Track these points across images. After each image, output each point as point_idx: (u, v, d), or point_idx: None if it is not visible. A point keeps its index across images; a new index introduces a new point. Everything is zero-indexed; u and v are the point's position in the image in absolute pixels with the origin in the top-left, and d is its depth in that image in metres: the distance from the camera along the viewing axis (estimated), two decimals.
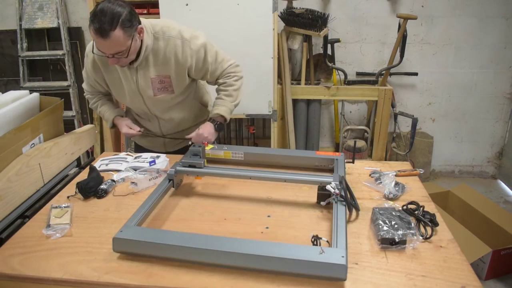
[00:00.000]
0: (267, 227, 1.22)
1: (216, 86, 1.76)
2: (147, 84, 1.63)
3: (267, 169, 1.53)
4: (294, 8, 2.96)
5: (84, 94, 1.85)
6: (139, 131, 1.76)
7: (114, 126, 1.81)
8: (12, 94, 1.52)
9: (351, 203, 1.26)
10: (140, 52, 1.53)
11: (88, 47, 1.63)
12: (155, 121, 1.82)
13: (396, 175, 1.49)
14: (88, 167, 1.53)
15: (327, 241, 1.10)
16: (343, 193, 1.25)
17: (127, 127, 1.76)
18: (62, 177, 1.62)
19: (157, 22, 1.59)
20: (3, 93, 1.55)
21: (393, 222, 1.14)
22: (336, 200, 1.23)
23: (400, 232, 1.11)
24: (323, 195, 1.29)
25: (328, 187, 1.26)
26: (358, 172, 1.57)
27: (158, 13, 2.89)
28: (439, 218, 1.22)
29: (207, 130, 1.68)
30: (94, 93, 1.82)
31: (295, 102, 3.06)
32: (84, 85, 1.82)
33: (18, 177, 1.34)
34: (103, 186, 1.44)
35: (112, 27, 1.37)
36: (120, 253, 1.10)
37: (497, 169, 3.63)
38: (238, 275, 1.01)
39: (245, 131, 3.43)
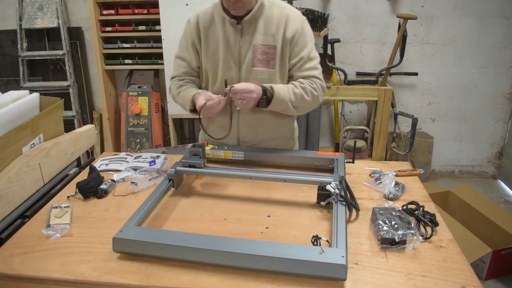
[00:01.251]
0: (267, 227, 1.22)
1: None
2: (249, 50, 1.52)
3: (267, 169, 1.53)
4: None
5: (170, 88, 1.69)
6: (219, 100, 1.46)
7: (193, 109, 1.56)
8: (12, 94, 1.52)
9: (351, 203, 1.26)
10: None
11: (193, 14, 1.61)
12: (235, 118, 1.60)
13: (396, 175, 1.49)
14: (88, 167, 1.53)
15: (327, 241, 1.10)
16: (343, 193, 1.25)
17: (204, 99, 1.47)
18: (62, 177, 1.62)
19: None
20: (3, 93, 1.55)
21: (393, 222, 1.14)
22: (336, 200, 1.23)
23: (400, 232, 1.11)
24: (323, 195, 1.29)
25: (328, 187, 1.26)
26: (358, 172, 1.57)
27: (158, 13, 2.89)
28: (439, 218, 1.22)
29: (255, 90, 1.44)
30: (184, 75, 1.65)
31: None
32: (173, 73, 1.67)
33: (18, 177, 1.34)
34: (103, 186, 1.44)
35: None
36: (120, 253, 1.10)
37: (497, 169, 3.63)
38: (238, 275, 1.01)
39: None
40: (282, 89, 1.49)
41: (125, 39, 3.26)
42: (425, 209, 1.25)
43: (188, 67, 1.64)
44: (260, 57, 1.53)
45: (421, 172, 1.54)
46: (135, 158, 1.70)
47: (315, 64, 1.57)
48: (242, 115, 1.61)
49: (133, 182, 1.49)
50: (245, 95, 1.43)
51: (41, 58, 3.42)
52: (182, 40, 1.64)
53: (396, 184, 1.41)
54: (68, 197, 1.42)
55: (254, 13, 1.49)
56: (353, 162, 1.59)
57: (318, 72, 1.57)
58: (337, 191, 1.24)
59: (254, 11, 1.49)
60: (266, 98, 1.48)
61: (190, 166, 1.44)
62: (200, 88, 1.66)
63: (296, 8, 2.92)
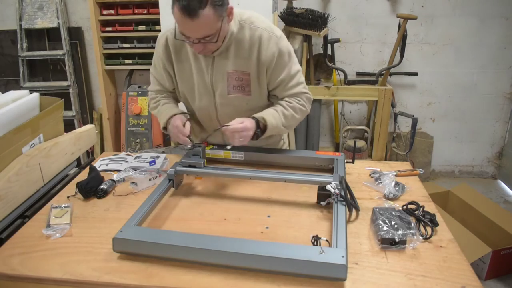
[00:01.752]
0: (267, 227, 1.22)
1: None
2: (223, 78, 1.44)
3: (267, 169, 1.53)
4: (294, 8, 2.96)
5: (148, 95, 1.65)
6: (189, 136, 1.44)
7: (165, 128, 1.53)
8: (12, 94, 1.52)
9: (351, 203, 1.26)
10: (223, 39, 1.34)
11: (162, 32, 1.49)
12: (218, 132, 1.56)
13: (396, 175, 1.49)
14: (88, 167, 1.53)
15: (327, 241, 1.10)
16: (343, 193, 1.25)
17: (177, 129, 1.43)
18: (62, 177, 1.62)
19: (245, 11, 1.43)
20: (3, 93, 1.55)
21: (393, 222, 1.14)
22: (336, 200, 1.23)
23: (400, 232, 1.11)
24: (323, 195, 1.29)
25: (328, 187, 1.26)
26: (358, 172, 1.57)
27: (158, 13, 2.89)
28: (439, 218, 1.22)
29: (248, 127, 1.39)
30: (159, 92, 1.61)
31: None
32: (150, 86, 1.63)
33: (18, 177, 1.34)
34: (103, 186, 1.44)
35: (201, 5, 1.17)
36: (120, 253, 1.10)
37: (497, 169, 3.63)
38: (238, 275, 1.01)
39: None
40: (273, 116, 1.45)
41: (125, 39, 3.26)
42: (425, 209, 1.25)
43: (161, 86, 1.59)
44: (235, 83, 1.46)
45: (421, 172, 1.54)
46: (135, 158, 1.70)
47: (298, 79, 1.50)
48: (223, 115, 1.55)
49: (133, 182, 1.49)
50: (242, 134, 1.38)
51: (41, 58, 3.42)
52: (155, 59, 1.55)
53: (396, 184, 1.41)
54: (68, 197, 1.42)
55: (226, 42, 1.38)
56: (353, 162, 1.59)
57: (303, 86, 1.52)
58: (337, 191, 1.24)
59: (225, 43, 1.37)
60: (260, 129, 1.45)
61: (190, 166, 1.43)
62: (177, 100, 1.65)
63: (296, 8, 2.93)
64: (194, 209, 1.34)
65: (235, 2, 2.73)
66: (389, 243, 1.10)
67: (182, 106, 1.64)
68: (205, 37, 1.26)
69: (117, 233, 1.08)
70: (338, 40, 3.19)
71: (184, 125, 1.44)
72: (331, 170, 1.53)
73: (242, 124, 1.39)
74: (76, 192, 1.43)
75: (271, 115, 1.45)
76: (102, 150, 3.56)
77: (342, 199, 1.23)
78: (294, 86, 1.49)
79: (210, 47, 1.32)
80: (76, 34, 3.45)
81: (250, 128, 1.40)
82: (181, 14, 1.19)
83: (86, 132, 1.79)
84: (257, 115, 1.45)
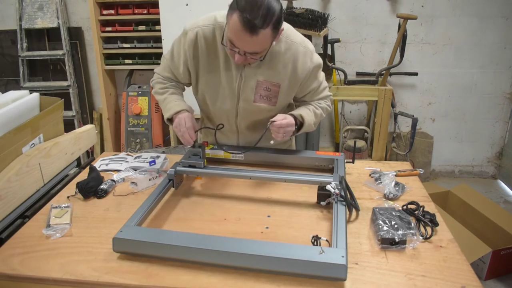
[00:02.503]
0: (267, 227, 1.22)
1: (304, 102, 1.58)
2: (252, 85, 1.43)
3: (267, 169, 1.53)
4: (294, 8, 2.96)
5: (152, 79, 1.59)
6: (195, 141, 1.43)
7: (171, 121, 1.48)
8: (12, 94, 1.52)
9: (351, 203, 1.26)
10: None
11: (190, 26, 1.41)
12: (234, 135, 1.61)
13: (396, 175, 1.49)
14: (88, 167, 1.53)
15: (327, 241, 1.10)
16: (343, 193, 1.25)
17: (186, 129, 1.39)
18: (62, 177, 1.62)
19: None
20: (3, 93, 1.55)
21: (393, 222, 1.14)
22: (336, 200, 1.23)
23: (400, 232, 1.11)
24: (323, 195, 1.29)
25: (328, 187, 1.26)
26: (358, 172, 1.57)
27: (158, 13, 2.89)
28: (439, 218, 1.22)
29: (292, 122, 1.42)
30: (168, 80, 1.56)
31: None
32: (159, 69, 1.57)
33: (18, 177, 1.34)
34: (103, 186, 1.44)
35: (264, 25, 1.16)
36: (120, 253, 1.10)
37: (497, 169, 3.63)
38: (238, 275, 1.01)
39: None
40: (308, 114, 1.49)
41: (125, 39, 3.27)
42: (425, 209, 1.25)
43: (174, 77, 1.55)
44: (262, 93, 1.45)
45: (421, 172, 1.54)
46: (135, 158, 1.70)
47: (325, 85, 1.57)
48: (242, 120, 1.56)
49: (133, 182, 1.49)
50: (287, 129, 1.40)
51: (41, 58, 3.42)
52: (175, 51, 1.49)
53: (396, 184, 1.41)
54: (68, 197, 1.42)
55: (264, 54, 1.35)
56: (353, 162, 1.59)
57: (328, 90, 1.59)
58: (337, 191, 1.24)
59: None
60: (296, 126, 1.47)
61: (190, 166, 1.43)
62: (182, 90, 1.62)
63: (296, 8, 2.93)
64: (194, 209, 1.34)
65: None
66: (389, 243, 1.10)
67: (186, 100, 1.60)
68: (254, 53, 1.25)
69: (117, 233, 1.08)
70: (338, 40, 3.19)
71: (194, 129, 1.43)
72: (331, 170, 1.53)
73: (287, 120, 1.41)
74: (76, 192, 1.43)
75: (306, 114, 1.49)
76: (102, 150, 3.56)
77: (342, 199, 1.24)
78: (321, 91, 1.56)
79: (251, 61, 1.31)
80: (76, 34, 3.45)
81: (292, 124, 1.43)
82: (241, 27, 1.16)
83: (86, 132, 1.79)
84: (294, 113, 1.48)
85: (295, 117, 1.46)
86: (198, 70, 1.47)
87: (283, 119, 1.40)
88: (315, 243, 1.07)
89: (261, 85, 1.43)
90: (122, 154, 1.76)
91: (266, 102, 1.47)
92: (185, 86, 1.63)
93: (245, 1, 1.15)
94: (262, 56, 1.29)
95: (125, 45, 3.26)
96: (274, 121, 1.39)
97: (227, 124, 1.57)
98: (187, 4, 2.80)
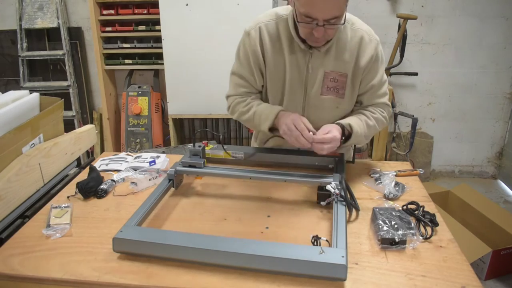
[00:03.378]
0: (267, 227, 1.22)
1: (357, 109, 1.48)
2: (319, 77, 1.37)
3: (267, 169, 1.53)
4: None
5: (229, 106, 1.50)
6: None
7: (272, 129, 1.40)
8: (12, 94, 1.52)
9: (351, 203, 1.26)
10: None
11: (250, 27, 1.38)
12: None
13: (396, 175, 1.49)
14: (88, 167, 1.53)
15: (327, 241, 1.10)
16: (343, 193, 1.25)
17: (302, 123, 1.29)
18: (62, 177, 1.62)
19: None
20: (3, 93, 1.55)
21: (393, 222, 1.14)
22: (336, 200, 1.23)
23: (400, 232, 1.11)
24: (323, 195, 1.29)
25: (328, 187, 1.26)
26: (358, 172, 1.56)
27: (158, 13, 2.89)
28: (439, 218, 1.22)
29: (337, 137, 1.32)
30: (246, 95, 1.47)
31: None
32: (230, 91, 1.50)
33: (18, 177, 1.34)
34: (103, 186, 1.44)
35: None
36: (120, 253, 1.10)
37: (497, 169, 3.63)
38: (238, 275, 1.01)
39: (245, 131, 3.43)
40: (358, 125, 1.38)
41: (125, 39, 3.27)
42: (425, 209, 1.25)
43: (250, 87, 1.47)
44: (329, 84, 1.39)
45: (421, 172, 1.54)
46: (135, 158, 1.70)
47: (385, 90, 1.47)
48: (310, 118, 1.45)
49: (133, 182, 1.49)
50: (331, 145, 1.31)
51: (41, 58, 3.43)
52: (242, 56, 1.43)
53: (396, 184, 1.41)
54: (68, 197, 1.42)
55: (334, 37, 1.32)
56: (353, 162, 1.58)
57: (387, 98, 1.48)
58: (337, 191, 1.24)
59: (334, 38, 1.32)
60: (344, 136, 1.38)
61: (190, 166, 1.43)
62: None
63: None
64: (194, 209, 1.34)
65: (235, 2, 2.74)
66: (389, 243, 1.10)
67: None
68: (333, 18, 1.18)
69: (117, 233, 1.08)
70: None
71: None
72: (331, 170, 1.53)
73: (330, 135, 1.31)
74: (76, 192, 1.43)
75: (356, 123, 1.38)
76: (102, 150, 3.56)
77: (342, 199, 1.23)
78: (381, 95, 1.45)
79: (330, 32, 1.24)
80: (76, 34, 3.46)
81: (338, 138, 1.32)
82: None
83: (86, 132, 1.79)
84: (343, 122, 1.38)
85: (342, 126, 1.36)
86: (265, 67, 1.42)
87: (326, 133, 1.31)
88: (315, 243, 1.07)
89: (328, 76, 1.37)
90: (122, 154, 1.76)
91: (333, 94, 1.41)
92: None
93: None
94: (343, 20, 1.22)
95: (125, 45, 3.26)
96: (314, 133, 1.30)
97: None
98: (187, 4, 2.80)
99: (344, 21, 1.23)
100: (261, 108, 1.42)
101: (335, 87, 1.40)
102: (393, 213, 1.20)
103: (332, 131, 1.32)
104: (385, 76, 1.46)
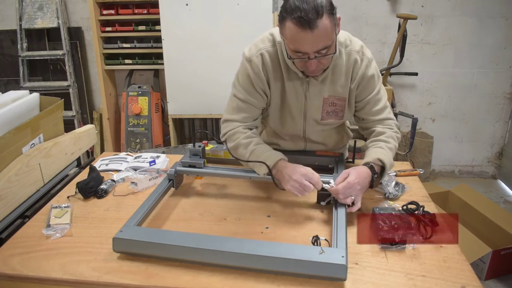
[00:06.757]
0: (267, 227, 1.22)
1: (371, 139, 1.43)
2: (318, 104, 1.39)
3: None
4: None
5: (225, 130, 1.43)
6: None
7: (270, 173, 1.32)
8: (12, 94, 1.52)
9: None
10: None
11: (251, 53, 1.35)
12: (301, 142, 1.55)
13: (396, 175, 1.49)
14: (88, 167, 1.53)
15: (327, 241, 1.10)
16: None
17: (303, 178, 1.24)
18: (62, 177, 1.62)
19: (340, 32, 1.32)
20: (3, 93, 1.55)
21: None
22: (336, 200, 1.23)
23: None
24: (323, 195, 1.29)
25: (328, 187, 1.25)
26: None
27: (158, 13, 2.89)
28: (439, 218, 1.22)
29: (361, 180, 1.24)
30: (245, 120, 1.41)
31: None
32: (229, 114, 1.43)
33: (18, 177, 1.34)
34: (103, 186, 1.44)
35: (318, 15, 1.10)
36: (120, 253, 1.10)
37: (497, 169, 3.63)
38: (238, 275, 1.01)
39: None
40: (384, 154, 1.32)
41: (125, 39, 3.26)
42: (425, 209, 1.25)
43: (252, 111, 1.42)
44: (329, 109, 1.40)
45: (421, 172, 1.54)
46: (135, 158, 1.70)
47: (385, 103, 1.43)
48: (310, 134, 1.51)
49: (133, 182, 1.49)
50: (355, 189, 1.22)
51: (41, 58, 3.42)
52: (244, 81, 1.38)
53: (396, 184, 1.41)
54: (68, 197, 1.43)
55: (332, 63, 1.32)
56: (353, 162, 1.59)
57: (389, 111, 1.45)
58: None
59: (331, 65, 1.32)
60: (376, 173, 1.29)
61: (190, 166, 1.43)
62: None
63: None
64: (194, 209, 1.34)
65: (235, 2, 2.74)
66: (389, 243, 1.10)
67: None
68: (323, 49, 1.18)
69: (117, 233, 1.08)
70: None
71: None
72: (331, 170, 1.53)
73: (345, 182, 1.22)
74: (76, 192, 1.43)
75: (382, 154, 1.32)
76: (102, 150, 3.56)
77: None
78: (381, 110, 1.42)
79: (324, 62, 1.24)
80: (76, 34, 3.45)
81: (358, 181, 1.23)
82: (298, 28, 1.12)
83: (86, 132, 1.79)
84: (370, 159, 1.31)
85: (371, 166, 1.29)
86: (270, 91, 1.40)
87: (345, 179, 1.23)
88: (315, 243, 1.07)
89: (326, 101, 1.39)
90: (122, 154, 1.76)
91: (333, 117, 1.43)
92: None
93: (290, 4, 1.12)
94: (334, 49, 1.22)
95: (125, 45, 3.26)
96: (331, 185, 1.24)
97: (298, 135, 1.52)
98: (187, 4, 2.80)
99: (336, 50, 1.23)
100: (259, 150, 1.36)
101: (334, 111, 1.42)
102: (393, 213, 1.20)
103: (349, 176, 1.23)
104: (382, 91, 1.43)
